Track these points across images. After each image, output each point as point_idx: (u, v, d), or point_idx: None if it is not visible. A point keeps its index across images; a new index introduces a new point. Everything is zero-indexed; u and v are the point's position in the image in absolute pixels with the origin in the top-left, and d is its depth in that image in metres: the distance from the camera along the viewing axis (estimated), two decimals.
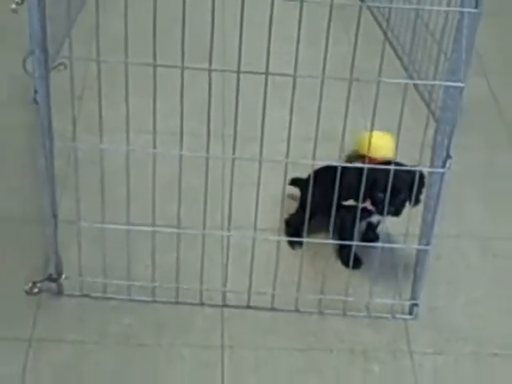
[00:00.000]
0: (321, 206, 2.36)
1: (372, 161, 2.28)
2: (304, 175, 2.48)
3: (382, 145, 2.45)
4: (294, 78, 1.97)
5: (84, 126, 2.43)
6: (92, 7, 2.04)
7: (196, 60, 2.01)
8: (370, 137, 2.19)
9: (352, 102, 2.09)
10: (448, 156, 2.11)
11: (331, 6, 1.87)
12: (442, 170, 2.14)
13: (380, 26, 3.39)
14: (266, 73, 1.95)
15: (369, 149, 2.20)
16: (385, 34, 3.07)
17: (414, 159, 2.25)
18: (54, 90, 2.12)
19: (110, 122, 2.22)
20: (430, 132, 2.15)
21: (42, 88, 2.09)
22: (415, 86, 3.10)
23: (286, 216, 2.59)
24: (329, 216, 2.29)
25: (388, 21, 2.68)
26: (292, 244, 2.57)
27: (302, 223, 2.32)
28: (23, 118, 2.73)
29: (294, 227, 2.55)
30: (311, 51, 2.27)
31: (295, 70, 1.97)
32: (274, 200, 2.54)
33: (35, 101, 2.11)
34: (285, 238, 2.51)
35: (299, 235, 2.41)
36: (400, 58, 3.26)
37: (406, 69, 3.21)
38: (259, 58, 2.00)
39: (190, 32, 2.00)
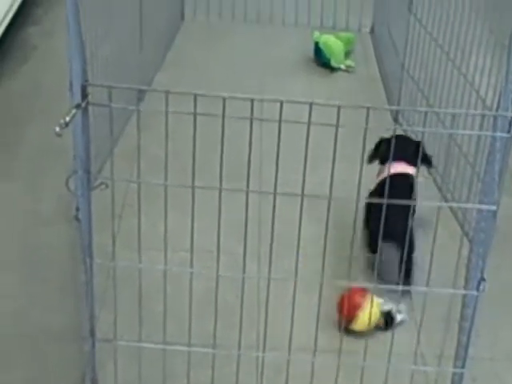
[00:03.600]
0: None
1: None
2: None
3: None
4: (329, 200, 2.00)
5: (123, 243, 2.47)
6: (134, 128, 2.10)
7: (233, 178, 2.05)
8: None
9: None
10: (482, 279, 2.10)
11: (365, 129, 1.90)
12: (476, 293, 2.12)
13: None
14: (302, 194, 1.98)
15: None
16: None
17: (448, 279, 2.25)
18: (94, 207, 2.17)
19: (149, 239, 2.25)
20: (465, 251, 2.16)
21: (83, 206, 2.13)
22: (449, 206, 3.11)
23: None
24: None
25: (422, 139, 2.73)
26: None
27: None
28: (66, 234, 2.78)
29: None
30: (345, 169, 2.30)
31: (330, 192, 2.00)
32: (309, 319, 2.53)
33: (77, 218, 2.15)
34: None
35: None
36: (434, 179, 3.28)
37: (439, 188, 3.23)
38: (295, 177, 2.04)
39: (227, 151, 2.04)
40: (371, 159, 2.91)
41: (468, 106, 2.97)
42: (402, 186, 2.66)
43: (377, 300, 2.49)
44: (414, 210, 2.33)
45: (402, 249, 2.30)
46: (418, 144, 2.71)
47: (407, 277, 2.60)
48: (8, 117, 3.57)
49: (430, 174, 3.12)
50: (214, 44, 4.35)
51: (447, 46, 3.21)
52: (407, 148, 2.89)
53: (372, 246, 2.79)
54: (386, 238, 2.25)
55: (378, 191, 2.74)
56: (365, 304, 2.52)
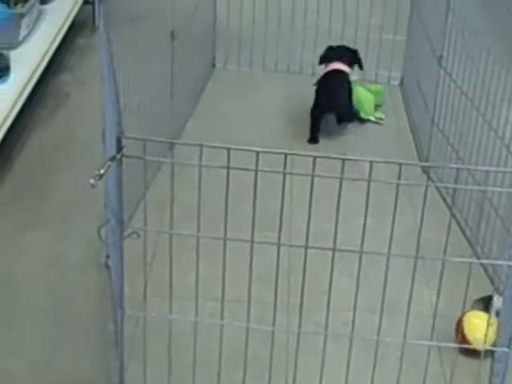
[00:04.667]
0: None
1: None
2: None
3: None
4: (361, 253, 2.01)
5: (153, 291, 2.49)
6: (165, 176, 2.13)
7: (264, 228, 2.07)
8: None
9: (416, 273, 2.11)
10: None
11: (397, 186, 1.91)
12: (507, 350, 2.11)
13: (445, 201, 3.43)
14: (334, 249, 1.99)
15: None
16: (450, 209, 3.10)
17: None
18: (125, 255, 2.18)
19: (179, 288, 2.27)
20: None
21: (114, 254, 2.15)
22: (479, 258, 3.10)
23: None
24: None
25: (453, 198, 2.74)
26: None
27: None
28: (95, 281, 2.80)
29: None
30: (376, 221, 2.31)
31: (362, 246, 2.01)
32: (338, 373, 2.53)
33: (107, 265, 2.17)
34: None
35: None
36: (464, 232, 3.27)
37: (470, 243, 3.22)
38: (325, 229, 2.05)
39: (257, 201, 2.06)
40: (320, 62, 4.09)
41: (499, 160, 2.98)
42: (339, 76, 4.00)
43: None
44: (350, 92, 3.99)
45: (340, 117, 4.01)
46: (355, 51, 4.13)
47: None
48: (39, 165, 3.61)
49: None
50: (244, 93, 4.39)
51: (477, 100, 3.22)
52: (345, 53, 4.10)
53: (314, 112, 3.94)
54: (328, 109, 3.94)
55: (321, 80, 4.00)
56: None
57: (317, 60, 4.17)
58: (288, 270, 2.74)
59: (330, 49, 4.14)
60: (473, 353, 2.52)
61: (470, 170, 2.92)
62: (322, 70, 4.08)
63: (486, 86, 3.12)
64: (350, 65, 4.09)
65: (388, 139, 4.04)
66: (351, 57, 4.10)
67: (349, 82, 4.03)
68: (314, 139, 3.95)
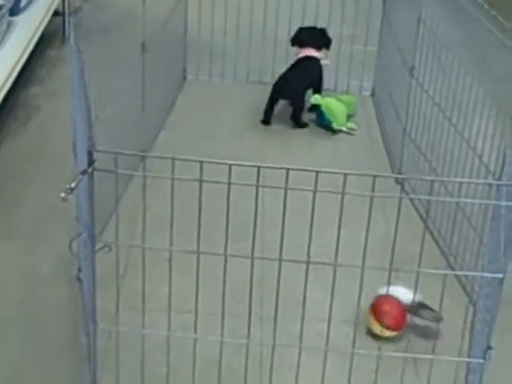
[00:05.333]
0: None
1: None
2: None
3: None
4: (335, 266, 2.00)
5: (125, 304, 2.47)
6: (136, 188, 2.11)
7: (237, 240, 2.06)
8: None
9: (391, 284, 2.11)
10: (489, 347, 2.10)
11: (372, 198, 1.91)
12: (482, 361, 2.11)
13: (418, 211, 3.43)
14: (308, 261, 1.99)
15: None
16: (424, 220, 3.11)
17: (454, 345, 2.24)
18: (97, 268, 2.16)
19: (151, 301, 2.25)
20: (470, 316, 2.16)
21: (86, 268, 2.13)
22: (453, 269, 3.11)
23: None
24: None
25: (427, 209, 2.74)
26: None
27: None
28: (66, 294, 2.78)
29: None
30: (350, 232, 2.31)
31: (336, 258, 2.00)
32: None
33: (78, 278, 2.14)
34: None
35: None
36: (437, 242, 3.28)
37: (443, 253, 3.22)
38: (298, 242, 2.04)
39: (230, 213, 2.04)
40: (292, 43, 4.29)
41: (471, 171, 2.99)
42: (308, 63, 4.21)
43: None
44: (320, 85, 4.30)
45: (294, 106, 4.15)
46: (323, 31, 4.30)
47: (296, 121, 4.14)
48: (9, 176, 3.58)
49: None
50: (216, 104, 4.39)
51: (449, 110, 3.24)
52: (316, 36, 4.28)
53: (270, 96, 4.14)
54: (281, 95, 4.14)
55: (290, 67, 4.18)
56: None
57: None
58: (261, 282, 2.72)
59: (301, 30, 4.32)
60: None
61: (444, 181, 2.92)
62: (295, 53, 4.31)
63: (457, 96, 3.14)
64: (321, 48, 4.31)
65: (360, 150, 4.05)
66: (321, 39, 4.30)
67: (319, 68, 4.28)
68: (265, 121, 4.17)
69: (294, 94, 4.15)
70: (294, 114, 4.16)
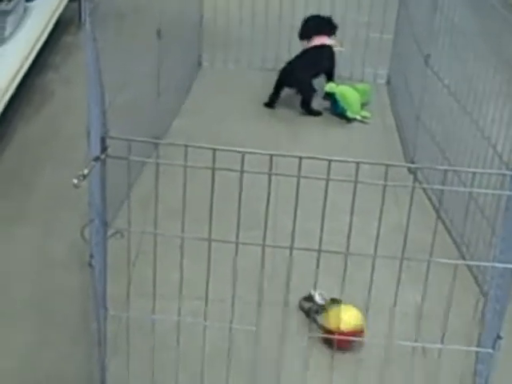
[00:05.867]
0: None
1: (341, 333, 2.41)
2: None
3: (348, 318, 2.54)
4: (346, 255, 2.00)
5: (136, 291, 2.47)
6: (149, 175, 2.11)
7: (248, 228, 2.06)
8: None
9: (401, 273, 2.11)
10: (498, 337, 2.09)
11: (384, 187, 1.90)
12: (491, 351, 2.11)
13: (431, 201, 3.42)
14: (319, 250, 1.98)
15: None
16: (436, 210, 3.10)
17: (463, 335, 2.23)
18: (109, 254, 2.17)
19: (162, 287, 2.25)
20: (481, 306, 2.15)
21: (98, 254, 2.14)
22: (465, 259, 3.10)
23: None
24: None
25: (440, 198, 2.73)
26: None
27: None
28: (79, 279, 2.79)
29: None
30: (362, 220, 2.30)
31: (347, 247, 2.00)
32: (322, 371, 2.52)
33: (90, 264, 2.15)
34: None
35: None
36: (450, 232, 3.27)
37: (456, 243, 3.22)
38: (309, 228, 2.04)
39: (242, 201, 2.04)
40: (300, 37, 4.25)
41: (485, 161, 2.97)
42: (319, 52, 4.23)
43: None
44: (332, 72, 4.30)
45: (302, 94, 4.15)
46: (329, 19, 4.26)
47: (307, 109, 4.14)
48: (24, 161, 3.59)
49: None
50: (231, 91, 4.38)
51: (464, 99, 3.22)
52: (323, 24, 4.25)
53: (276, 86, 4.19)
54: (286, 83, 4.16)
55: (300, 55, 4.20)
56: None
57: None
58: (272, 270, 2.73)
59: (307, 22, 4.29)
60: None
61: (457, 171, 2.91)
62: (304, 45, 4.29)
63: (473, 85, 3.12)
64: (331, 34, 4.29)
65: (374, 138, 4.04)
66: (329, 26, 4.27)
67: (332, 55, 4.29)
68: (268, 104, 4.21)
69: (300, 83, 4.15)
70: (303, 102, 4.16)
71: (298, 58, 4.21)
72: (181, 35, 4.12)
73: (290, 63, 4.17)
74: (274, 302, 2.58)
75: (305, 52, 4.24)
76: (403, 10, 4.32)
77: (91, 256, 2.14)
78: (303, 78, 4.15)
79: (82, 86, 2.26)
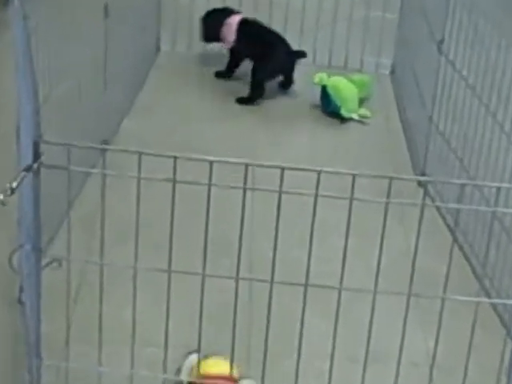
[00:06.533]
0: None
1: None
2: None
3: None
4: (340, 290, 2.01)
5: (79, 333, 2.47)
6: (93, 187, 2.09)
7: (219, 254, 2.06)
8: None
9: (409, 312, 2.12)
10: None
11: (387, 204, 1.91)
12: None
13: (445, 220, 3.44)
14: (306, 284, 1.99)
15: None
16: (452, 231, 3.11)
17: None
18: (43, 288, 2.17)
19: (111, 330, 2.25)
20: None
21: (29, 287, 2.13)
22: (488, 295, 3.12)
23: None
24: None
25: (456, 217, 2.73)
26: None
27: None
28: (4, 320, 2.77)
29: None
30: (359, 245, 2.32)
31: (341, 280, 2.01)
32: None
33: (20, 301, 2.14)
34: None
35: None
36: (469, 260, 3.29)
37: (476, 274, 3.23)
38: (295, 256, 2.04)
39: (213, 222, 2.05)
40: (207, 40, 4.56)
41: None
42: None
43: None
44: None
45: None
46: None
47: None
48: None
49: None
50: (195, 81, 4.39)
51: (486, 95, 3.24)
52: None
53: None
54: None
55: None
56: None
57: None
58: (249, 307, 2.73)
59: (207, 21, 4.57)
60: None
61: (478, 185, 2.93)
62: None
63: (496, 77, 3.14)
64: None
65: (375, 142, 4.06)
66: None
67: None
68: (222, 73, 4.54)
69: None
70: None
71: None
72: (134, 13, 4.13)
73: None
74: (252, 350, 2.58)
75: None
76: None
77: (21, 290, 2.14)
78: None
79: (10, 75, 2.25)
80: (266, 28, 4.43)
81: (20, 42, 2.01)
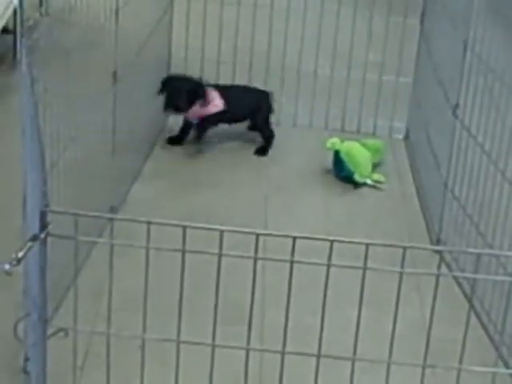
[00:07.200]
0: None
1: None
2: None
3: None
4: (353, 361, 2.00)
5: None
6: (101, 255, 2.10)
7: (229, 323, 2.07)
8: None
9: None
10: None
11: (401, 274, 1.92)
12: None
13: (462, 288, 3.43)
14: (318, 355, 1.99)
15: None
16: (469, 299, 3.10)
17: None
18: (49, 358, 2.17)
19: None
20: None
21: (35, 357, 2.14)
22: (506, 364, 3.10)
23: None
24: None
25: (473, 285, 2.73)
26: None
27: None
28: None
29: None
30: (373, 315, 2.31)
31: (354, 350, 2.00)
32: None
33: (25, 371, 2.15)
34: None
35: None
36: (486, 328, 3.28)
37: (494, 343, 3.22)
38: (307, 324, 2.04)
39: (223, 291, 2.05)
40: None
41: None
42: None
43: None
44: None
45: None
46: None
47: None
48: None
49: None
50: (205, 149, 4.41)
51: (503, 161, 3.24)
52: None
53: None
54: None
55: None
56: None
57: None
58: (259, 378, 2.73)
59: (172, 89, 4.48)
60: None
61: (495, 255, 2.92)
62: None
63: None
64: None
65: (389, 208, 4.06)
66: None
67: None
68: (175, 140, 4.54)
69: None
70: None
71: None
72: (143, 78, 4.16)
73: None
74: None
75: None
76: (425, 47, 4.38)
77: (26, 359, 2.14)
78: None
79: (17, 140, 2.27)
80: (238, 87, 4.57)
81: (27, 107, 2.02)
